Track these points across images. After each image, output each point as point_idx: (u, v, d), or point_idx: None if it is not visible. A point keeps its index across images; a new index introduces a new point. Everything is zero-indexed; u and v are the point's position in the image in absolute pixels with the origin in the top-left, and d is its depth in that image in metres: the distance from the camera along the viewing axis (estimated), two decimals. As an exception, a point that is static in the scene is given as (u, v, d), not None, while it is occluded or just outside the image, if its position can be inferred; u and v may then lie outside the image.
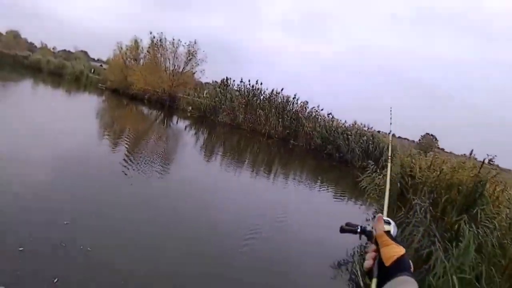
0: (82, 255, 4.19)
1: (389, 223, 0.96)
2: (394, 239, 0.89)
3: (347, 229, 1.09)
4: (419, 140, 38.59)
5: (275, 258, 5.68)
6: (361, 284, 5.07)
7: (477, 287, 3.48)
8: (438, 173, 5.34)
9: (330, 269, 5.65)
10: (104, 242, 4.69)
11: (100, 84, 37.40)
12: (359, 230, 1.04)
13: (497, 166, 5.12)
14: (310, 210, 9.47)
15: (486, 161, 5.06)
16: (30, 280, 3.52)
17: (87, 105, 23.66)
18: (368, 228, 1.01)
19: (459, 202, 4.68)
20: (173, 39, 32.03)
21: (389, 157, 2.70)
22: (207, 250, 5.31)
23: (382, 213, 1.29)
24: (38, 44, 57.12)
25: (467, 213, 4.31)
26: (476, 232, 3.80)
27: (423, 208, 4.53)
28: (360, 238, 1.06)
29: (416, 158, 6.45)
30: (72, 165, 7.83)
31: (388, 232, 0.92)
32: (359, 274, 5.27)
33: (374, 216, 1.05)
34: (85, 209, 5.55)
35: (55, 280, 3.57)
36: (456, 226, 4.31)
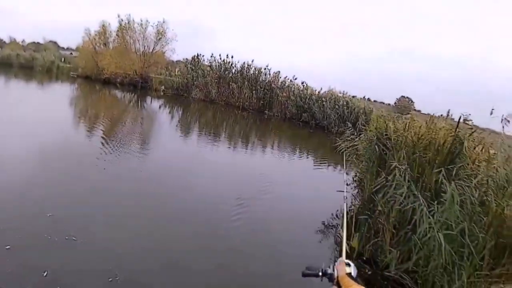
0: (69, 245, 4.17)
1: (349, 265, 1.03)
2: (355, 279, 0.98)
3: (308, 273, 1.15)
4: (395, 103, 39.33)
5: (263, 228, 5.81)
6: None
7: (462, 244, 3.60)
8: (415, 134, 5.37)
9: (316, 233, 5.82)
10: (89, 229, 4.65)
11: (72, 73, 36.88)
12: (320, 273, 1.11)
13: (474, 125, 5.21)
14: (292, 178, 9.62)
15: (462, 120, 5.15)
16: (20, 277, 3.50)
17: (59, 95, 22.93)
18: (329, 270, 1.08)
19: (438, 162, 4.76)
20: (141, 20, 31.41)
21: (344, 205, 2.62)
22: (197, 229, 5.35)
23: (344, 235, 1.39)
24: (7, 40, 54.09)
25: (446, 171, 4.39)
26: (456, 188, 3.88)
27: (402, 170, 4.59)
28: (321, 280, 1.10)
29: (388, 118, 6.52)
30: (49, 156, 7.61)
31: (349, 274, 0.99)
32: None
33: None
34: (66, 198, 5.48)
35: (45, 274, 3.57)
36: (436, 184, 4.41)
